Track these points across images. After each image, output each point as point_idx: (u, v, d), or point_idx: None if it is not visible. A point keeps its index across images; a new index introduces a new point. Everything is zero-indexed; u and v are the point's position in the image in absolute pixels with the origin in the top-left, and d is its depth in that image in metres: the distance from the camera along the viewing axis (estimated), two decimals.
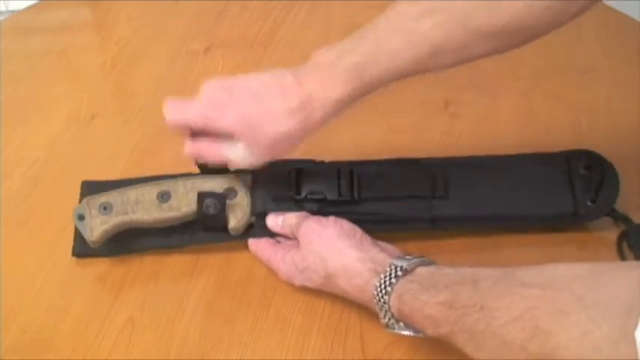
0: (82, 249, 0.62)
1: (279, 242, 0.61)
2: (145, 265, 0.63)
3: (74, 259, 0.63)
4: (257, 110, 0.54)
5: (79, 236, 0.62)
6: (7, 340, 0.57)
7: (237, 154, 0.57)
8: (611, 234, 0.62)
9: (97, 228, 0.60)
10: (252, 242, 0.62)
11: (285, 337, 0.57)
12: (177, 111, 0.58)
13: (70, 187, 0.69)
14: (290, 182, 0.61)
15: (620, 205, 0.62)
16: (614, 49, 0.84)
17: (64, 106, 0.80)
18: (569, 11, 0.54)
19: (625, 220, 0.62)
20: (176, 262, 0.63)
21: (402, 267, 0.50)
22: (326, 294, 0.58)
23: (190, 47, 0.88)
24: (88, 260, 0.63)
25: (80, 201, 0.64)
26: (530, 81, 0.80)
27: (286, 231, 0.60)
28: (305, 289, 0.59)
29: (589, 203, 0.61)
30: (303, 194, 0.61)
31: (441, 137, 0.73)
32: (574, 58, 0.83)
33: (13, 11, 1.49)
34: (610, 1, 0.90)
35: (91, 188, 0.66)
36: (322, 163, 0.63)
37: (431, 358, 0.54)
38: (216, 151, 0.58)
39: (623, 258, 0.60)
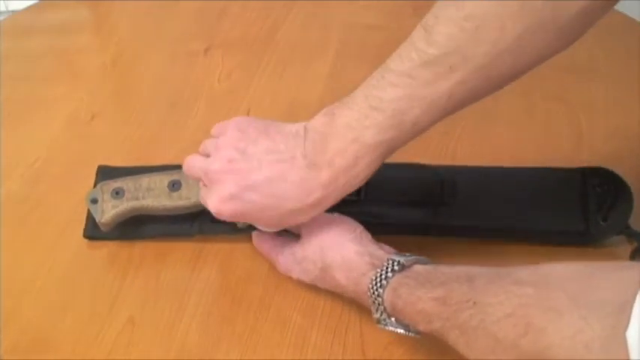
0: (93, 232, 0.64)
1: (280, 235, 0.62)
2: (145, 264, 0.63)
3: (74, 258, 0.63)
4: (272, 203, 0.53)
5: (90, 219, 0.64)
6: (7, 340, 0.57)
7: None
8: (623, 250, 0.61)
9: (108, 211, 0.62)
10: (255, 235, 0.62)
11: (285, 337, 0.57)
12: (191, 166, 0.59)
13: (71, 187, 0.69)
14: None
15: None
16: (614, 49, 0.84)
17: (64, 106, 0.80)
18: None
19: (637, 236, 0.61)
20: (176, 262, 0.63)
21: (399, 262, 0.50)
22: (325, 293, 0.58)
23: (190, 47, 0.88)
24: (88, 260, 0.63)
25: (95, 184, 0.66)
26: (530, 81, 0.80)
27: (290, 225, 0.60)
28: (305, 288, 0.59)
29: (601, 222, 0.60)
30: None
31: (441, 137, 0.73)
32: (574, 58, 0.83)
33: (13, 11, 1.49)
34: None
35: (105, 173, 0.68)
36: None
37: (431, 358, 0.54)
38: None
39: None
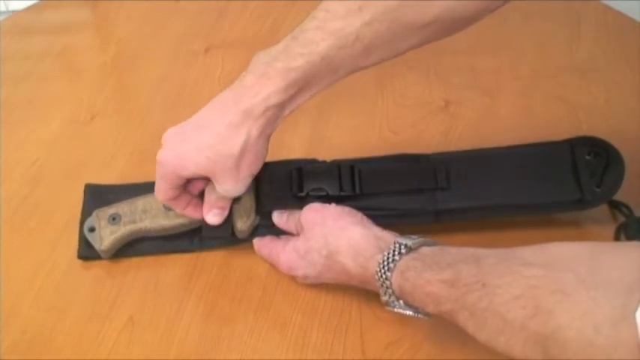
0: (87, 252, 0.63)
1: (281, 238, 0.62)
2: (145, 265, 0.63)
3: (74, 258, 0.63)
4: (206, 139, 0.55)
5: (83, 239, 0.63)
6: (7, 340, 0.57)
7: (220, 190, 0.58)
8: (609, 229, 0.63)
9: (106, 237, 0.61)
10: (256, 240, 0.62)
11: (285, 337, 0.57)
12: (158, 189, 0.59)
13: (70, 187, 0.69)
14: (292, 181, 0.61)
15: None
16: (614, 49, 0.84)
17: (64, 106, 0.80)
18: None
19: (624, 207, 0.62)
20: (176, 262, 0.63)
21: (406, 245, 0.50)
22: (326, 293, 0.58)
23: (190, 47, 0.88)
24: (88, 260, 0.63)
25: (83, 203, 0.66)
26: (530, 81, 0.80)
27: (291, 226, 0.60)
28: (305, 288, 0.59)
29: (595, 189, 0.60)
30: (305, 191, 0.61)
31: (441, 137, 0.74)
32: (574, 58, 0.83)
33: (13, 11, 1.49)
34: (610, 1, 0.90)
35: (94, 192, 0.67)
36: (324, 162, 0.64)
37: (431, 358, 0.54)
38: (206, 204, 0.60)
39: None
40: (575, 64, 0.82)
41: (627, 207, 0.63)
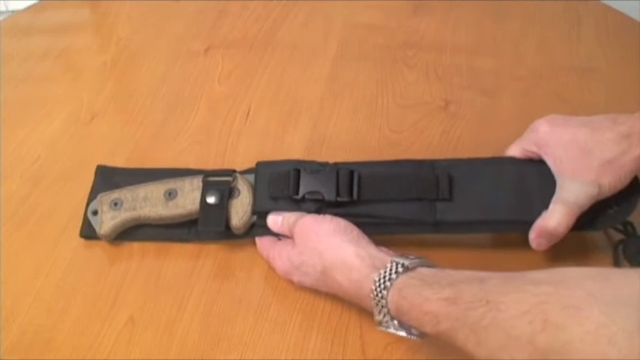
0: (89, 231, 0.64)
1: (280, 240, 0.62)
2: (145, 264, 0.63)
3: (74, 258, 0.63)
4: (586, 136, 0.57)
5: (86, 219, 0.65)
6: (7, 340, 0.57)
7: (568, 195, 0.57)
8: (608, 243, 0.62)
9: (107, 222, 0.63)
10: (257, 240, 0.62)
11: (285, 337, 0.57)
12: None
13: (70, 187, 0.69)
14: (289, 182, 0.61)
15: None
16: (614, 49, 0.84)
17: (64, 106, 0.80)
18: None
19: (627, 224, 0.60)
20: (176, 262, 0.63)
21: (403, 264, 0.50)
22: (325, 294, 0.58)
23: (190, 47, 0.88)
24: (87, 260, 0.63)
25: (92, 184, 0.68)
26: (530, 81, 0.80)
27: (285, 230, 0.60)
28: (305, 289, 0.59)
29: (608, 210, 0.58)
30: (301, 194, 0.60)
31: (441, 137, 0.73)
32: (574, 58, 0.84)
33: (13, 11, 1.49)
34: (610, 1, 0.91)
35: (104, 173, 0.69)
36: (326, 163, 0.63)
37: (431, 358, 0.54)
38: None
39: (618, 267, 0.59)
40: (575, 64, 0.82)
41: (631, 224, 0.61)
